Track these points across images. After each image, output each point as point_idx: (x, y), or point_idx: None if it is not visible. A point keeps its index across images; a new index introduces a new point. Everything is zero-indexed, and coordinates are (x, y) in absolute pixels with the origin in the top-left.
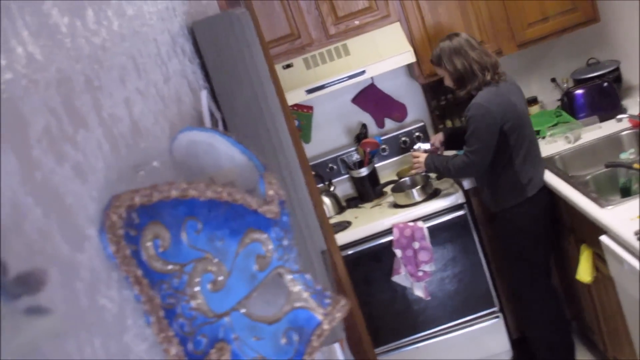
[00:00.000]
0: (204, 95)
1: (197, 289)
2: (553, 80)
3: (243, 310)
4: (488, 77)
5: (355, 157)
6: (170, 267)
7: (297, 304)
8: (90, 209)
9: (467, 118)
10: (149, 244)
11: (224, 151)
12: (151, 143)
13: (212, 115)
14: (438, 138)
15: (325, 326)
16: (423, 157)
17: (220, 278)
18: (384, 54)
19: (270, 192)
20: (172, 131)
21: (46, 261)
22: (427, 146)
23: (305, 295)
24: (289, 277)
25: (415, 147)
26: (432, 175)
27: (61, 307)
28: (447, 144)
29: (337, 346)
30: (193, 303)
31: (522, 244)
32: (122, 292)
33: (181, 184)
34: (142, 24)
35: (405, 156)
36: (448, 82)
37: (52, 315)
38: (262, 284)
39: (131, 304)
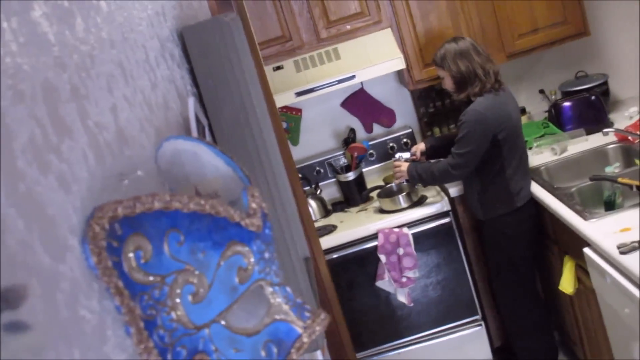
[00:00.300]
0: (191, 102)
1: (177, 300)
2: (541, 91)
3: (223, 322)
4: (489, 85)
5: (343, 161)
6: (151, 278)
7: (277, 317)
8: (73, 219)
9: (461, 122)
10: (130, 255)
11: (208, 161)
12: (136, 151)
13: (198, 122)
14: (419, 147)
15: (305, 339)
16: (405, 165)
17: (201, 290)
18: (374, 59)
19: (253, 205)
20: (158, 138)
21: (27, 273)
22: (407, 155)
23: (286, 308)
24: (269, 289)
25: (396, 156)
26: None
27: (41, 319)
28: (429, 153)
29: (318, 352)
30: (173, 314)
31: (509, 253)
32: (103, 303)
33: (164, 196)
34: (132, 30)
35: (392, 162)
36: (448, 84)
37: (33, 330)
38: (242, 296)
39: (111, 315)
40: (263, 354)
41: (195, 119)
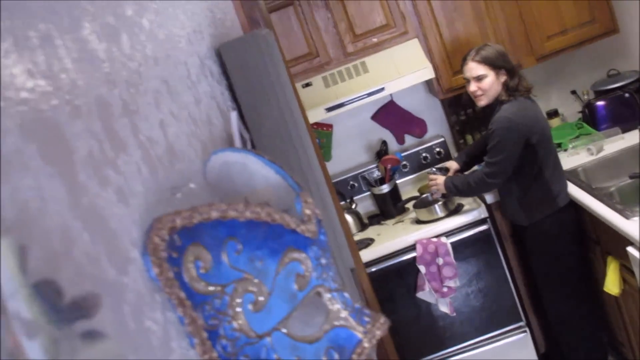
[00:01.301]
0: (234, 116)
1: (238, 309)
2: (573, 92)
3: (284, 330)
4: (525, 84)
5: (376, 174)
6: (211, 288)
7: (337, 323)
8: (133, 232)
9: (491, 131)
10: (190, 265)
11: (257, 171)
12: (186, 165)
13: (241, 136)
14: (452, 168)
15: (366, 344)
16: (441, 179)
17: (261, 298)
18: (402, 70)
19: (307, 212)
20: (205, 153)
21: (95, 285)
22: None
23: (345, 313)
24: (327, 295)
25: (432, 169)
26: None
27: (111, 330)
28: (464, 169)
29: None
30: (235, 324)
31: (556, 255)
32: (166, 314)
33: (221, 205)
34: (173, 47)
35: (426, 172)
36: (488, 84)
37: (107, 340)
38: (301, 303)
39: (175, 326)
40: None
41: (239, 133)
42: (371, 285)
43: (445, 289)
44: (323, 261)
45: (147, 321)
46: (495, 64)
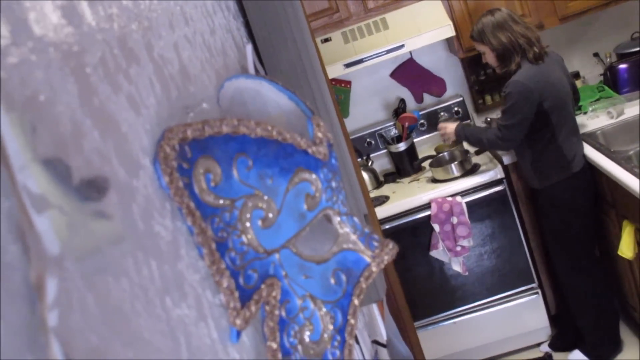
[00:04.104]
0: (249, 49)
1: (247, 224)
2: (596, 54)
3: (293, 249)
4: (530, 54)
5: (394, 131)
6: (221, 201)
7: (345, 246)
8: (144, 140)
9: (505, 94)
10: (201, 177)
11: (271, 98)
12: (199, 88)
13: (256, 71)
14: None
15: (374, 268)
16: (451, 127)
17: (270, 215)
18: (423, 28)
19: (319, 134)
20: (218, 81)
21: (104, 179)
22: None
23: (354, 237)
24: (337, 218)
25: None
26: (471, 150)
27: (120, 221)
28: None
29: (375, 309)
30: (244, 238)
31: (567, 220)
32: (176, 223)
33: (232, 120)
34: None
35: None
36: (490, 58)
37: (114, 221)
38: (310, 223)
39: (184, 236)
40: (332, 281)
41: (254, 68)
42: None
43: (458, 248)
44: (333, 184)
45: (156, 225)
46: (483, 40)
